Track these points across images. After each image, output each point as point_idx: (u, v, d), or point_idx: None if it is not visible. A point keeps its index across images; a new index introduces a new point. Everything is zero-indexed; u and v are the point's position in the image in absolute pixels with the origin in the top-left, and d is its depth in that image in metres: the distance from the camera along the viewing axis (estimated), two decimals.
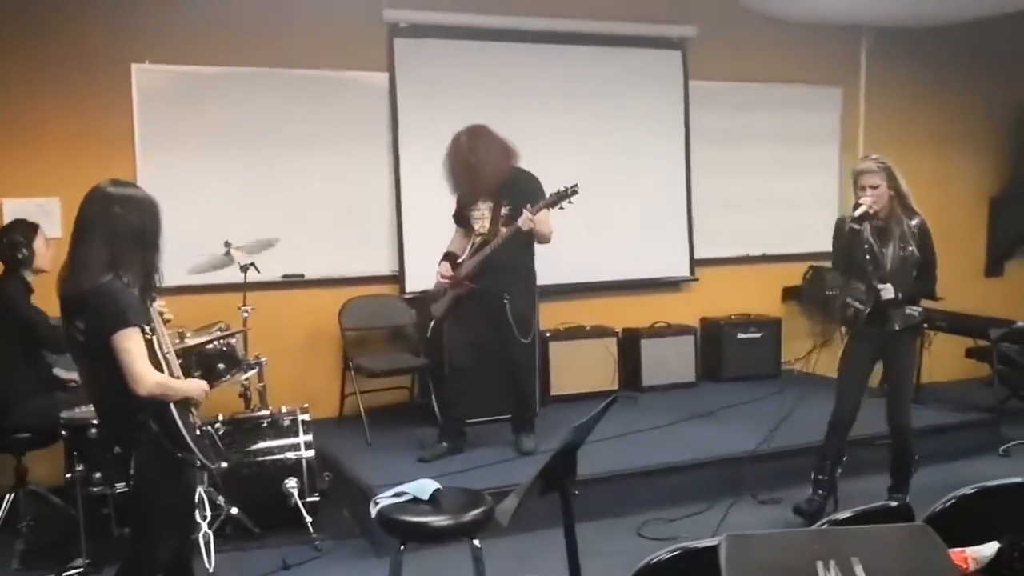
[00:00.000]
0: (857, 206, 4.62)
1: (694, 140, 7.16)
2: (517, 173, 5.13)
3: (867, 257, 4.66)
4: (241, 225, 5.54)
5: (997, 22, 7.11)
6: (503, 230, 5.07)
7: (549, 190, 5.05)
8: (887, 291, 4.65)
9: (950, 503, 2.79)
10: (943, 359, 7.00)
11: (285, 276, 6.08)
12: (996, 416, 6.21)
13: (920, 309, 4.82)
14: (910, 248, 4.72)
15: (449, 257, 5.34)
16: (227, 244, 5.02)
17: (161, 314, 3.15)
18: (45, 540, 4.60)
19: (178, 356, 4.54)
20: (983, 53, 7.80)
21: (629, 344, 6.92)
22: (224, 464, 4.63)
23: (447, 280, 5.24)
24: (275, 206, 6.00)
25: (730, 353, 7.16)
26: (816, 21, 7.25)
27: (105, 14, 5.59)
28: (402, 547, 3.06)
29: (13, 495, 4.72)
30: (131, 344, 2.81)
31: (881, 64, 7.70)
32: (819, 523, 2.58)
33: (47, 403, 4.53)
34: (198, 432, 3.04)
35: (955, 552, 3.09)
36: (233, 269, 5.11)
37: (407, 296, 6.28)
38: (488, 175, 5.05)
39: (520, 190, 5.06)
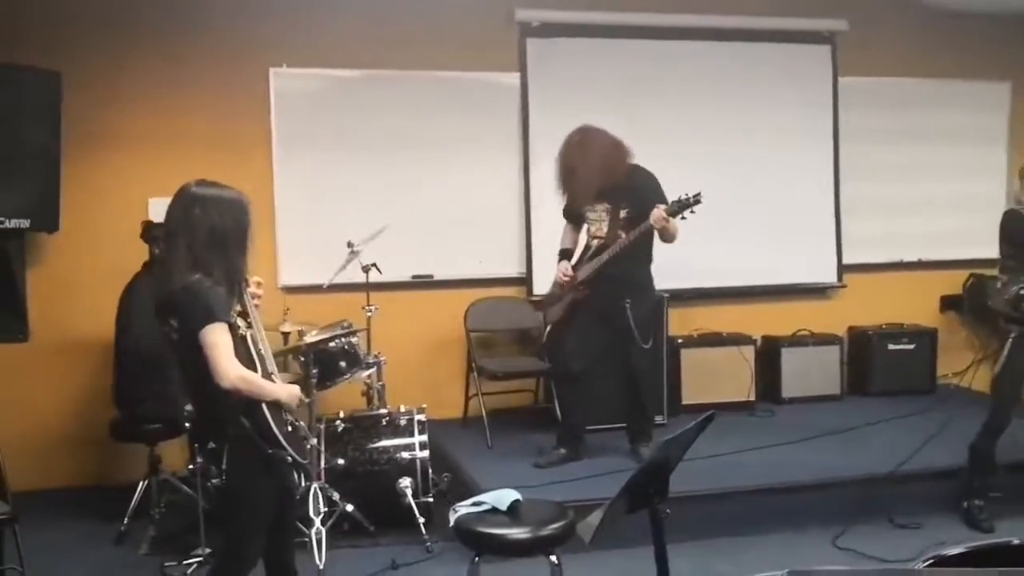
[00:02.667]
0: None
1: (843, 139, 6.79)
2: (633, 171, 4.96)
3: None
4: (373, 226, 5.60)
5: None
6: (622, 234, 4.91)
7: (679, 190, 4.85)
8: None
9: None
10: None
11: (415, 276, 6.13)
12: None
13: None
14: None
15: (567, 255, 5.24)
16: (350, 244, 5.09)
17: (253, 297, 3.16)
18: (174, 527, 4.77)
19: (299, 353, 4.73)
20: None
21: (768, 353, 6.62)
22: (340, 461, 4.70)
23: (567, 279, 5.12)
24: (407, 207, 6.05)
25: (879, 365, 6.73)
26: (980, 11, 6.74)
27: (244, 19, 5.79)
28: (476, 558, 2.98)
29: (147, 483, 4.93)
30: (216, 338, 2.85)
31: None
32: (925, 558, 2.33)
33: (174, 394, 4.70)
34: (290, 428, 3.05)
35: None
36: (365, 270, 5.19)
37: (534, 299, 6.20)
38: (600, 176, 4.90)
39: (639, 190, 4.89)
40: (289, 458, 3.04)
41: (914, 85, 6.90)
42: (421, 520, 4.64)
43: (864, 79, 6.78)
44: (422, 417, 4.93)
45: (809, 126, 6.75)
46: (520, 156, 6.27)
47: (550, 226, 6.05)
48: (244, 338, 3.02)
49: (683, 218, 4.72)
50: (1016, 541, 2.45)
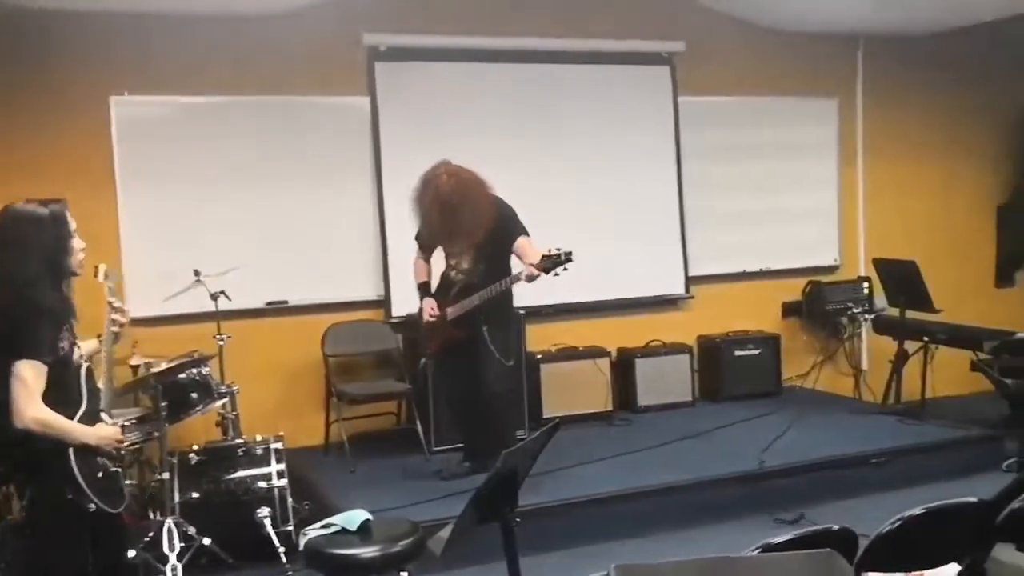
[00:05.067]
0: None
1: (686, 156, 7.06)
2: (495, 209, 5.00)
3: None
4: (223, 254, 5.53)
5: (997, 25, 6.98)
6: (481, 267, 5.00)
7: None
8: None
9: (897, 525, 2.67)
10: (949, 372, 6.82)
11: (269, 303, 6.06)
12: (1000, 431, 6.01)
13: None
14: None
15: (427, 289, 5.27)
16: (196, 273, 5.01)
17: (114, 323, 3.07)
18: None
19: (148, 386, 4.61)
20: (983, 58, 7.67)
21: (623, 364, 6.81)
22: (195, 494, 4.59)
23: (435, 318, 5.16)
24: (259, 233, 5.99)
25: (728, 371, 7.01)
26: (809, 31, 7.16)
27: (82, 46, 5.62)
28: None
29: None
30: (25, 374, 2.77)
31: (878, 73, 7.59)
32: (755, 547, 2.47)
33: None
34: (101, 475, 2.95)
35: (914, 575, 2.97)
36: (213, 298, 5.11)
37: (393, 321, 6.22)
38: (472, 225, 4.91)
39: (499, 228, 4.96)
40: (92, 506, 2.93)
41: (749, 103, 7.23)
42: (281, 549, 4.58)
43: (702, 98, 7.07)
44: (279, 445, 4.87)
45: (653, 144, 7.00)
46: (373, 179, 6.28)
47: (406, 248, 6.09)
48: (76, 372, 2.93)
49: (556, 275, 4.77)
50: (835, 527, 2.63)
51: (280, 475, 4.76)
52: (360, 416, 6.02)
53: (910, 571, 2.85)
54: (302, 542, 3.01)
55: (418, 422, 5.79)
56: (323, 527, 3.05)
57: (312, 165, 6.14)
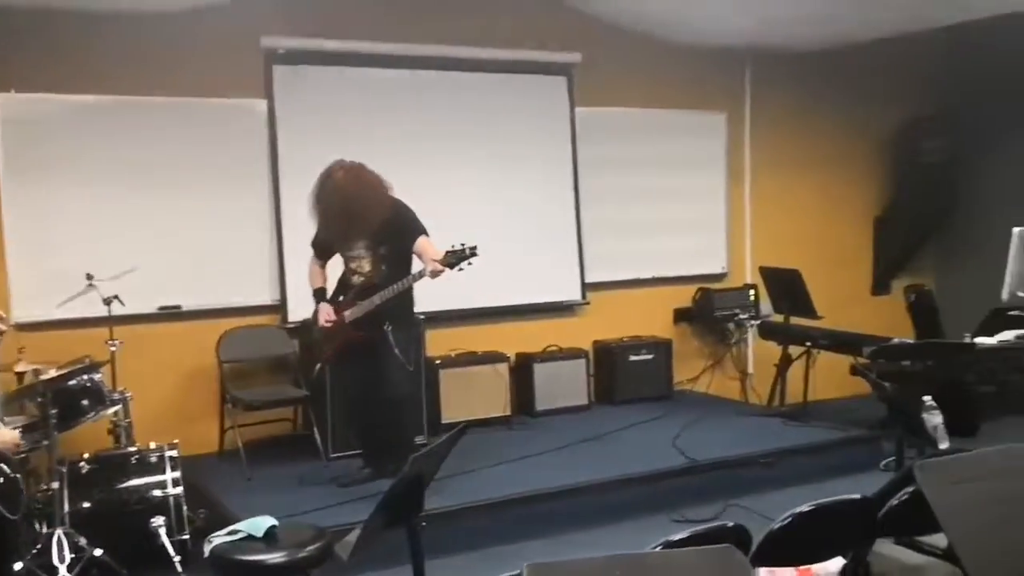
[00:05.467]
0: None
1: (582, 165, 7.20)
2: (393, 208, 5.01)
3: None
4: (114, 257, 5.39)
5: (878, 45, 7.35)
6: (383, 268, 4.98)
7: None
8: None
9: (787, 521, 2.81)
10: (829, 376, 7.13)
11: (161, 308, 5.93)
12: (877, 432, 6.32)
13: None
14: None
15: (322, 295, 5.23)
16: (89, 276, 4.88)
17: None
18: None
19: (36, 394, 4.47)
20: (864, 76, 8.04)
21: (522, 369, 6.90)
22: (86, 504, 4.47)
23: (332, 323, 5.12)
24: (151, 236, 5.86)
25: (622, 375, 7.17)
26: (700, 46, 7.40)
27: None
28: None
29: None
30: None
31: (765, 89, 7.88)
32: (655, 544, 2.57)
33: None
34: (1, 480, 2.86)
35: (801, 570, 3.12)
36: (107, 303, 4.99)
37: (289, 326, 6.16)
38: (370, 220, 4.90)
39: (398, 226, 4.96)
40: None
41: (643, 115, 7.42)
42: (177, 558, 4.49)
43: (599, 109, 7.24)
44: (174, 453, 4.77)
45: (550, 153, 7.12)
46: (270, 182, 6.21)
47: (303, 252, 6.04)
48: None
49: (460, 270, 4.76)
50: (730, 524, 2.76)
51: (175, 483, 4.66)
52: (255, 423, 5.95)
53: (799, 566, 2.99)
54: (207, 549, 2.98)
55: (315, 428, 5.76)
56: (229, 533, 3.03)
57: (208, 168, 6.04)
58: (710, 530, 2.64)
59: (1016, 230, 5.28)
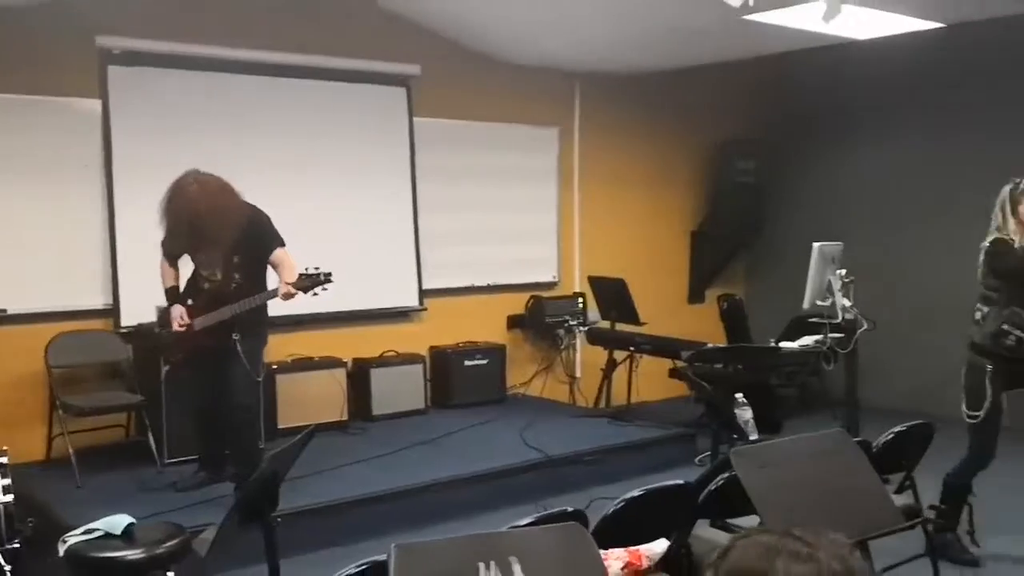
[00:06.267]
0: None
1: (421, 175, 7.38)
2: (250, 217, 5.00)
3: None
4: None
5: (697, 71, 7.89)
6: (236, 276, 4.97)
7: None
8: None
9: (621, 506, 3.08)
10: (651, 379, 7.60)
11: None
12: (694, 430, 6.80)
13: None
14: None
15: (174, 295, 5.17)
16: None
17: None
18: None
19: None
20: (684, 100, 8.60)
21: (359, 374, 7.00)
22: None
23: (184, 327, 5.06)
24: None
25: (458, 380, 7.39)
26: (533, 65, 7.73)
27: None
28: None
29: None
30: None
31: (594, 107, 8.31)
32: (508, 526, 2.78)
33: None
34: None
35: (631, 550, 3.42)
36: None
37: (123, 330, 6.04)
38: (223, 235, 4.88)
39: (254, 237, 4.97)
40: None
41: (480, 128, 7.69)
42: (8, 568, 4.36)
43: (437, 120, 7.44)
44: (3, 460, 4.61)
45: (390, 162, 7.28)
46: (103, 184, 6.08)
47: (137, 256, 5.97)
48: None
49: (314, 294, 4.81)
50: (570, 509, 3.00)
51: (6, 490, 4.52)
52: (86, 429, 5.80)
53: (629, 547, 3.28)
54: (62, 548, 2.97)
55: (150, 434, 5.68)
56: (85, 532, 3.03)
57: (38, 167, 5.85)
58: (551, 515, 2.87)
59: (816, 245, 5.80)
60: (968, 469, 4.62)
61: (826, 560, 1.32)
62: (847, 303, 5.67)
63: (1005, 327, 4.41)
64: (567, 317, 7.94)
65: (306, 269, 4.81)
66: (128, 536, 3.05)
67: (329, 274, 4.79)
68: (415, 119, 7.34)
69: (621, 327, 7.57)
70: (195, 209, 4.82)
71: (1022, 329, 4.39)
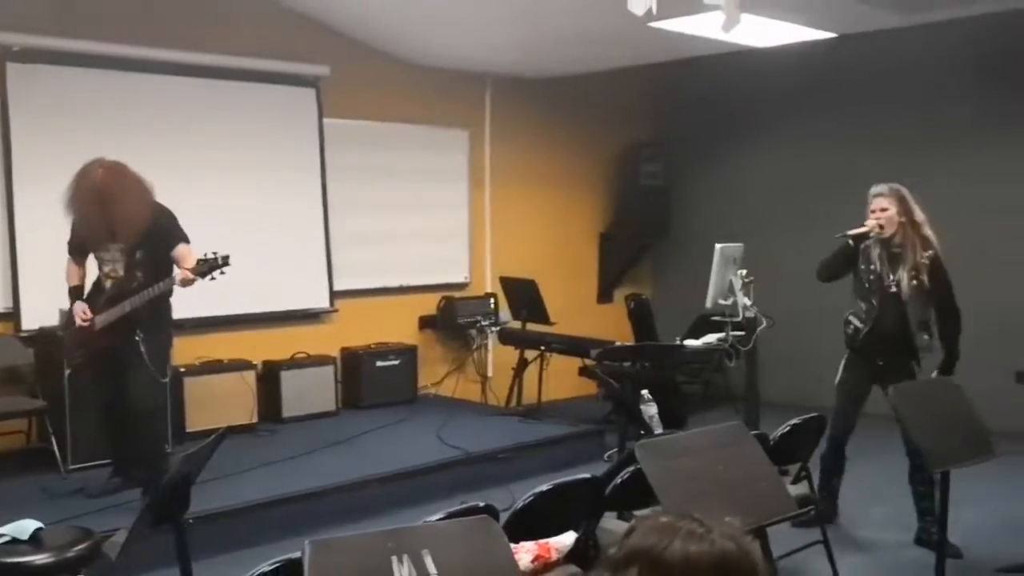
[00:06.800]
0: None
1: (331, 176, 7.36)
2: (154, 213, 4.92)
3: (871, 278, 4.75)
4: None
5: (604, 75, 8.06)
6: (139, 275, 4.89)
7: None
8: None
9: (530, 500, 3.17)
10: (561, 378, 7.73)
11: None
12: (602, 426, 6.95)
13: (925, 337, 4.80)
14: (922, 278, 4.67)
15: (78, 293, 5.07)
16: None
17: None
18: None
19: None
20: (591, 103, 8.77)
21: (269, 376, 6.95)
22: None
23: (86, 323, 4.95)
24: None
25: (369, 381, 7.38)
26: (444, 67, 7.79)
27: None
28: None
29: None
30: None
31: (505, 110, 8.41)
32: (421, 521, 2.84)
33: None
34: None
35: (540, 543, 3.52)
36: None
37: (23, 334, 5.89)
38: (128, 223, 4.79)
39: (157, 233, 4.90)
40: None
41: (390, 129, 7.71)
42: None
43: (347, 121, 7.44)
44: None
45: (299, 163, 7.24)
46: (2, 183, 5.91)
47: (39, 257, 5.84)
48: None
49: (212, 279, 4.76)
50: (481, 503, 3.08)
51: None
52: None
53: (539, 540, 3.38)
54: None
55: (53, 439, 5.55)
56: None
57: None
58: (464, 509, 2.95)
59: (718, 246, 6.00)
60: (831, 434, 4.92)
61: (720, 540, 1.42)
62: (747, 302, 5.88)
63: (848, 317, 4.94)
64: (479, 317, 8.01)
65: (204, 254, 4.75)
66: (36, 541, 3.01)
67: (227, 257, 4.74)
68: (325, 120, 7.33)
69: (532, 327, 7.69)
70: (106, 191, 4.72)
71: (860, 320, 4.87)
